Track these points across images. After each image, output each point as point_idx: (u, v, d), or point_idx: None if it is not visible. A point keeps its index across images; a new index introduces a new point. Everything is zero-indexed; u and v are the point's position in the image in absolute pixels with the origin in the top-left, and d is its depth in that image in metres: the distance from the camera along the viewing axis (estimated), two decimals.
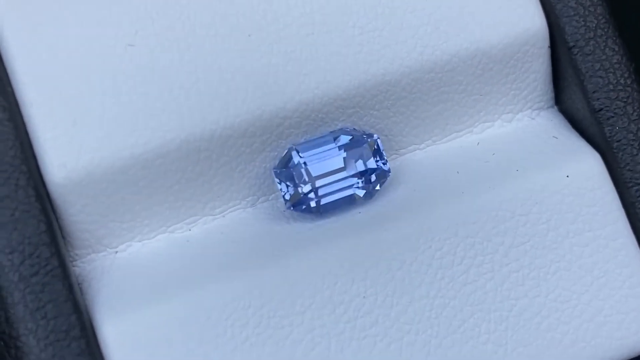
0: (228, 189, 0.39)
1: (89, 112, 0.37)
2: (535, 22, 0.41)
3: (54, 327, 0.35)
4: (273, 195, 0.40)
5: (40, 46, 0.37)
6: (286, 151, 0.39)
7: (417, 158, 0.41)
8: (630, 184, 0.40)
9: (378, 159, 0.39)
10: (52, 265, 0.35)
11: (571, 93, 0.41)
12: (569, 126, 0.42)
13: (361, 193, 0.39)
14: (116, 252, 0.38)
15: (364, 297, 0.37)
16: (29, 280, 0.35)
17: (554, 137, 0.41)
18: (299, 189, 0.38)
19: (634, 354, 0.39)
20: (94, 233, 0.38)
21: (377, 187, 0.39)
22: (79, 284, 0.37)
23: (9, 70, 0.37)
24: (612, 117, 0.40)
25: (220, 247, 0.38)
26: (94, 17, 0.37)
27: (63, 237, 0.37)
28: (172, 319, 0.36)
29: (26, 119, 0.37)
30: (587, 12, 0.41)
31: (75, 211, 0.37)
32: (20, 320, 0.35)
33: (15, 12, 0.37)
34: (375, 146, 0.39)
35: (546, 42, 0.41)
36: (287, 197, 0.38)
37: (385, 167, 0.39)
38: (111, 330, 0.36)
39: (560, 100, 0.42)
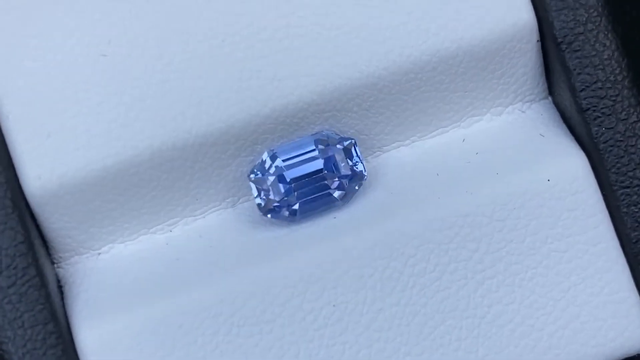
0: (206, 192, 0.39)
1: (62, 124, 0.37)
2: (522, 16, 0.39)
3: (31, 335, 0.37)
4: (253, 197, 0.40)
5: (15, 57, 0.37)
6: (262, 156, 0.39)
7: (401, 154, 0.41)
8: (616, 187, 0.39)
9: (355, 162, 0.39)
10: (29, 275, 0.37)
11: (560, 89, 0.40)
12: (560, 121, 0.41)
13: (338, 196, 0.39)
14: (99, 253, 0.39)
15: (334, 305, 0.38)
16: (6, 290, 0.37)
17: (540, 134, 0.40)
18: (274, 194, 0.38)
19: None
20: (75, 238, 0.39)
21: (356, 188, 0.39)
22: (60, 286, 0.39)
23: None
24: (600, 117, 0.39)
25: (197, 252, 0.39)
26: (67, 27, 0.38)
27: (45, 242, 0.39)
28: (145, 327, 0.37)
29: (4, 130, 0.38)
30: (577, 5, 0.39)
31: (55, 219, 0.38)
32: None
33: None
34: (352, 149, 0.39)
35: (534, 37, 0.40)
36: (262, 203, 0.38)
37: (362, 170, 0.39)
38: (87, 337, 0.37)
39: (553, 92, 0.41)
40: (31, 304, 0.37)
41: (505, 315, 0.38)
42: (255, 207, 0.40)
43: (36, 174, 0.37)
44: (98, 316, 0.37)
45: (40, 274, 0.37)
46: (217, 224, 0.40)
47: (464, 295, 0.38)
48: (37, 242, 0.38)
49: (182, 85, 0.38)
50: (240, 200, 0.40)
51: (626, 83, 0.39)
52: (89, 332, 0.37)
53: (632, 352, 0.39)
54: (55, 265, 0.39)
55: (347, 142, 0.39)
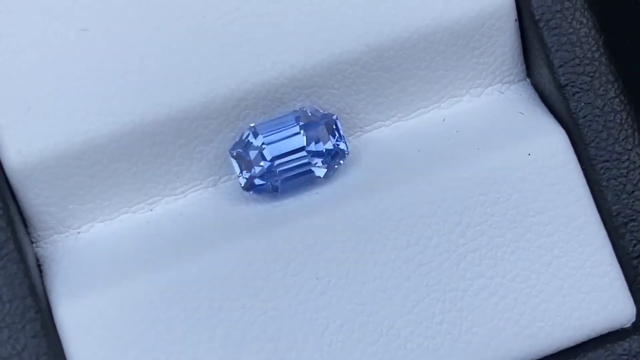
0: (188, 169, 0.39)
1: (42, 97, 0.37)
2: None
3: (9, 310, 0.36)
4: (235, 174, 0.40)
5: None
6: (244, 132, 0.39)
7: (382, 135, 0.41)
8: (595, 161, 0.39)
9: (337, 139, 0.39)
10: (8, 249, 0.36)
11: (538, 67, 0.40)
12: (539, 101, 0.41)
13: (320, 173, 0.39)
14: (79, 232, 0.39)
15: (317, 278, 0.37)
16: None
17: (520, 112, 0.40)
18: (255, 170, 0.38)
19: (594, 334, 0.38)
20: (55, 215, 0.38)
21: (338, 164, 0.39)
22: (39, 265, 0.38)
23: None
24: (578, 92, 0.39)
25: (178, 229, 0.39)
26: (47, 0, 0.38)
27: (24, 220, 0.38)
28: (125, 302, 0.37)
29: None
30: None
31: (34, 195, 0.38)
32: None
33: None
34: (334, 126, 0.39)
35: (513, 16, 0.40)
36: (243, 179, 0.38)
37: (344, 147, 0.39)
38: (67, 312, 0.36)
39: (531, 73, 0.41)
40: (9, 277, 0.36)
41: (488, 289, 0.38)
42: (237, 186, 0.40)
43: (16, 148, 0.37)
44: (77, 292, 0.37)
45: (18, 248, 0.36)
46: (198, 202, 0.39)
47: (447, 268, 0.38)
48: (17, 218, 0.37)
49: (163, 60, 0.38)
50: (222, 180, 0.40)
51: (603, 60, 0.39)
52: (68, 307, 0.37)
53: (615, 326, 0.38)
54: (35, 245, 0.39)
55: (329, 119, 0.39)
